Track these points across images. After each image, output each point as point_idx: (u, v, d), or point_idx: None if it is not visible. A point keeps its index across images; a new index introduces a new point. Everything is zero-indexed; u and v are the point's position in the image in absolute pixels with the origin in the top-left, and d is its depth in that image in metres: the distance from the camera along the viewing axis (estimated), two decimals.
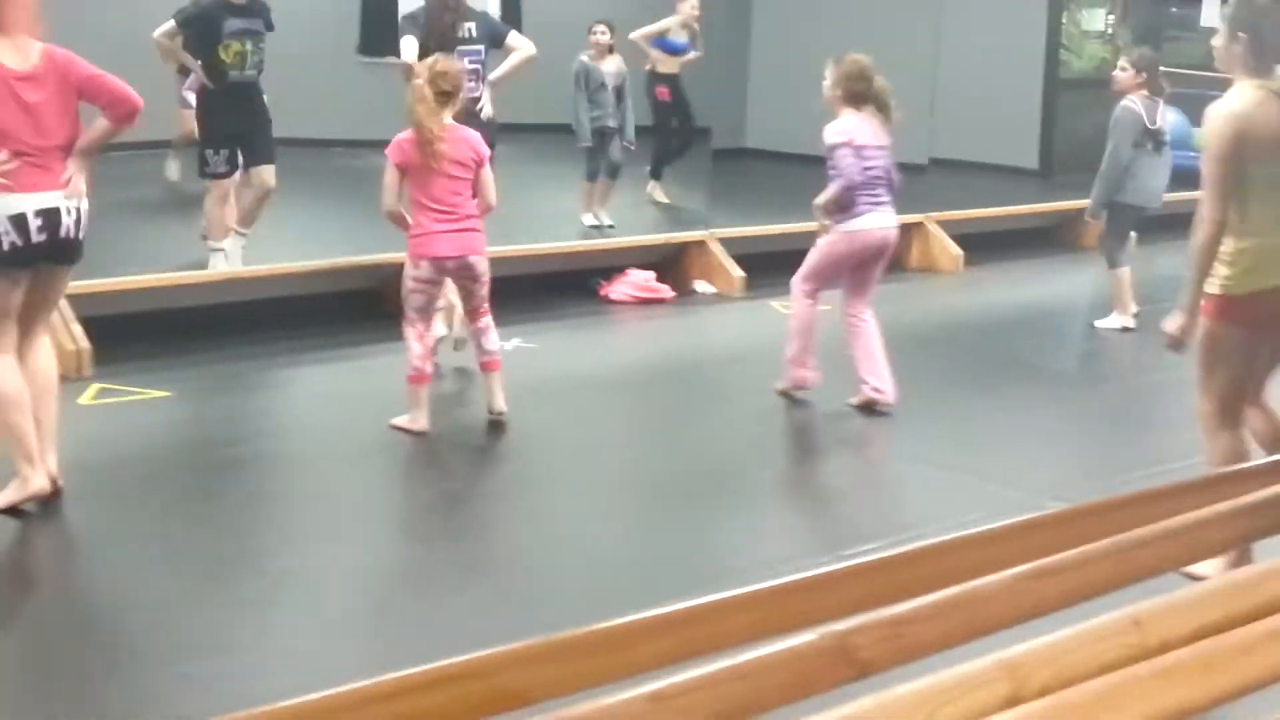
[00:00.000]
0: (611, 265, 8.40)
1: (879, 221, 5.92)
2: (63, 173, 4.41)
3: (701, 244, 8.72)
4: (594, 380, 6.52)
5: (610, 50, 9.63)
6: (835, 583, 1.55)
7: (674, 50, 10.76)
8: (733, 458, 5.55)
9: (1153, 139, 7.87)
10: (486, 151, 5.49)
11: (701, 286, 8.59)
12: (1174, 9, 14.94)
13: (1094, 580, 1.59)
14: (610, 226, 9.29)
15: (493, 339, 5.59)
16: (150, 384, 6.02)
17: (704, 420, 6.09)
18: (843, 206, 5.83)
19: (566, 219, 9.35)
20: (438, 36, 6.44)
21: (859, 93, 5.97)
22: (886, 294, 6.15)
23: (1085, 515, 1.72)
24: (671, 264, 8.64)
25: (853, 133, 5.86)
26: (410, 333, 5.44)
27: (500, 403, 5.55)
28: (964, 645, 1.50)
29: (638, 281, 8.35)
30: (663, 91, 10.56)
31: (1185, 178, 13.42)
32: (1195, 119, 14.90)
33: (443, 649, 1.35)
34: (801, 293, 6.05)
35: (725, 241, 8.66)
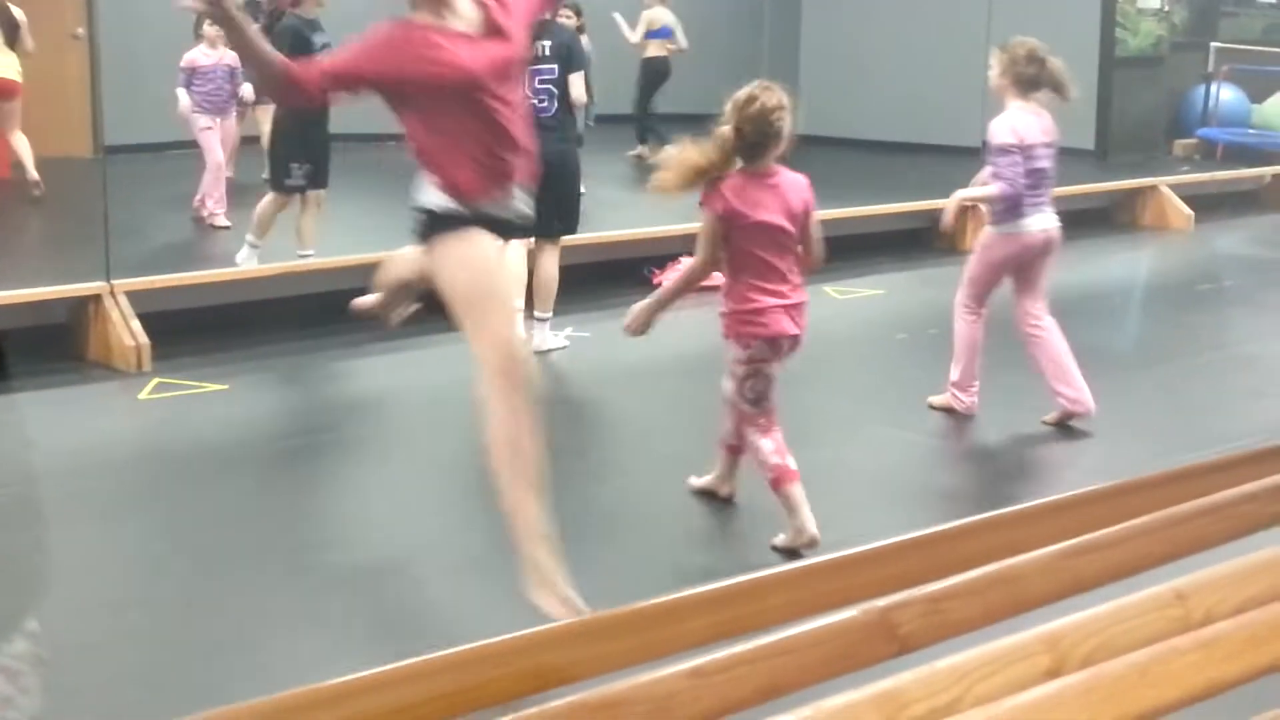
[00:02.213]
0: (665, 254, 8.40)
1: (1041, 223, 5.54)
2: None
3: None
4: (651, 368, 6.52)
5: (580, 31, 9.64)
6: (876, 560, 1.56)
7: (660, 36, 12.36)
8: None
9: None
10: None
11: None
12: None
13: (1135, 556, 1.59)
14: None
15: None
16: (208, 378, 6.10)
17: None
18: (1006, 207, 5.50)
19: (613, 207, 9.35)
20: None
21: (1030, 78, 5.44)
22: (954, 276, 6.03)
23: (1126, 492, 1.71)
24: None
25: (1023, 132, 5.42)
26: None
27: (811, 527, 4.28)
28: (1005, 621, 1.51)
29: None
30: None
31: (1243, 155, 13.27)
32: (1254, 95, 14.74)
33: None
34: (963, 308, 5.64)
35: None
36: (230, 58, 8.56)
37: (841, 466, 5.15)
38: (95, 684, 3.47)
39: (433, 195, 3.82)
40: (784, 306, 4.33)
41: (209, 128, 8.86)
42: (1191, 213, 10.76)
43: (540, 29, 6.51)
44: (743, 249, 4.30)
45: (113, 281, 6.47)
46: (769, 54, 13.62)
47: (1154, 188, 10.99)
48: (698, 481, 4.74)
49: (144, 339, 6.26)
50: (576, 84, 6.67)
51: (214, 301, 6.88)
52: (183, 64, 8.87)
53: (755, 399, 4.38)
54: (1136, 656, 1.42)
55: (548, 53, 6.62)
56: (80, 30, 10.58)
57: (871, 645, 1.40)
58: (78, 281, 6.53)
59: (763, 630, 1.40)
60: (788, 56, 14.18)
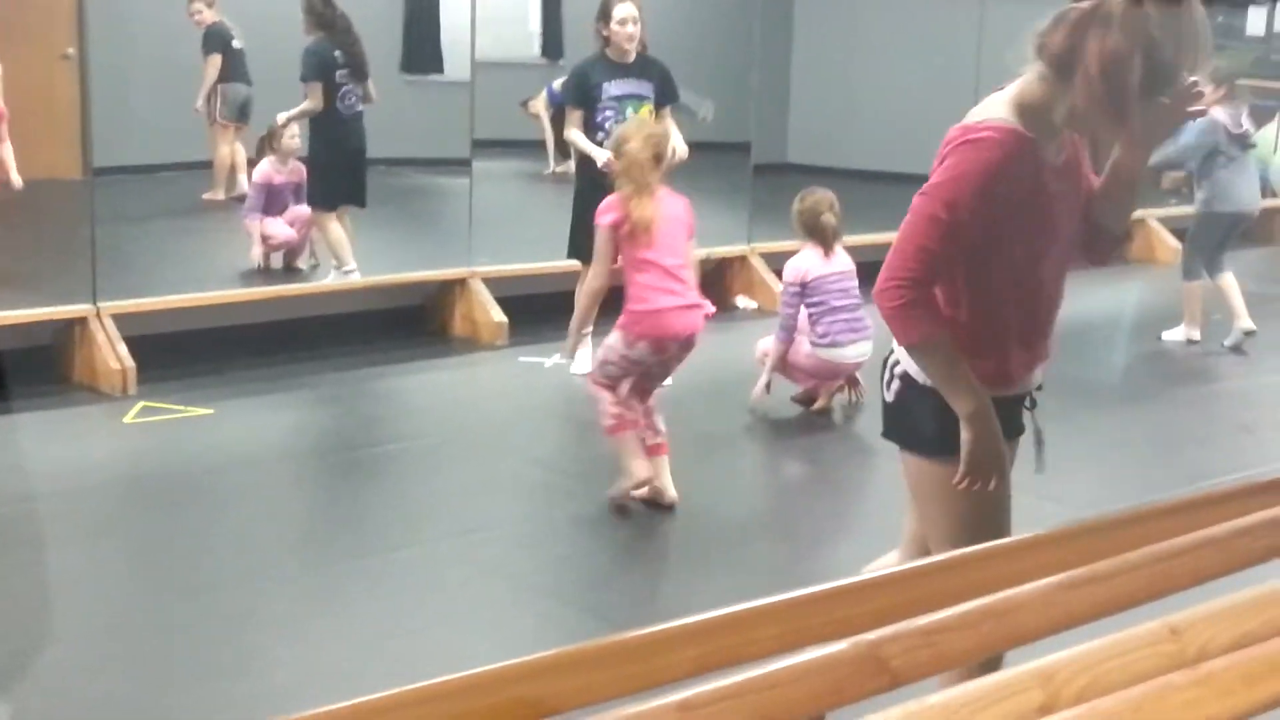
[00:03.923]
0: None
1: None
2: None
3: (743, 259, 8.71)
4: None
5: None
6: (866, 592, 1.54)
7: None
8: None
9: (1239, 143, 7.76)
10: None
11: (743, 302, 8.58)
12: (1220, 18, 14.82)
13: (1129, 590, 1.57)
14: None
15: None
16: (193, 401, 6.06)
17: (743, 435, 6.07)
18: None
19: None
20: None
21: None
22: None
23: (1119, 525, 1.70)
24: (712, 280, 8.62)
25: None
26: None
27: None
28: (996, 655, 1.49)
29: None
30: None
31: None
32: None
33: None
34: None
35: (766, 256, 8.64)
36: (300, 172, 8.00)
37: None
38: (75, 708, 3.43)
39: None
40: (679, 307, 4.82)
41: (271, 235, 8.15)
42: (1179, 245, 10.76)
43: (643, 65, 6.55)
44: (637, 257, 4.77)
45: (99, 304, 6.43)
46: (758, 83, 13.66)
47: (1142, 220, 11.00)
48: (614, 492, 4.94)
49: (130, 362, 6.23)
50: (674, 127, 6.67)
51: (201, 325, 6.86)
52: (257, 180, 8.16)
53: (610, 380, 4.88)
54: (1130, 693, 1.40)
55: (644, 79, 6.64)
56: (70, 50, 10.56)
57: (862, 679, 1.38)
58: (64, 304, 6.49)
59: (752, 663, 1.38)
60: (778, 86, 14.21)
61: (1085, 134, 2.70)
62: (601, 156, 6.14)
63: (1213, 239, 7.83)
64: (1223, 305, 7.80)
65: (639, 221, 4.74)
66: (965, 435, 2.54)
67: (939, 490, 2.66)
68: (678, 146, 6.74)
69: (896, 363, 2.70)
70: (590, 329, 5.61)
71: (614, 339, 4.86)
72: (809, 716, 1.37)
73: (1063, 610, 1.52)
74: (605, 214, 4.81)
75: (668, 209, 4.85)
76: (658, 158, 4.84)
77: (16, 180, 7.14)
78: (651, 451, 4.94)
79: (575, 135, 6.49)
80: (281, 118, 7.97)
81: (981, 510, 2.64)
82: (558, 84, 11.35)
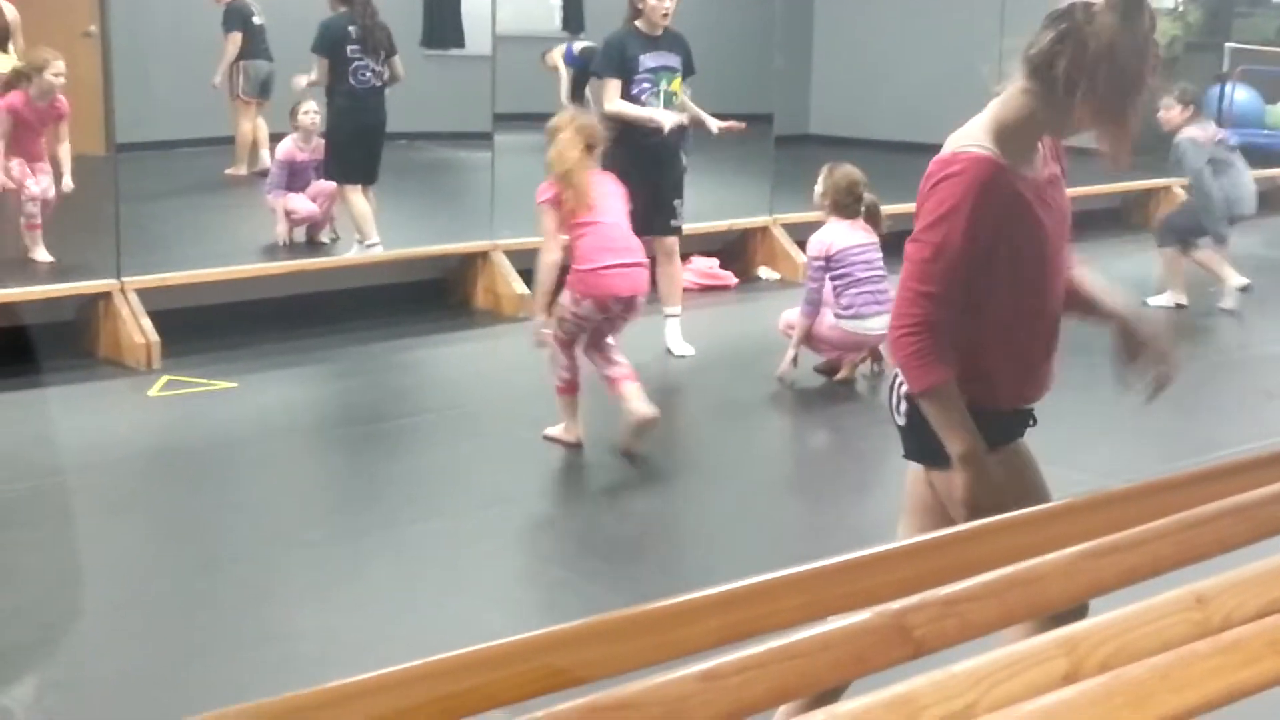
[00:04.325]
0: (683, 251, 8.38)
1: None
2: None
3: (765, 230, 8.69)
4: (660, 366, 6.50)
5: None
6: (890, 562, 1.53)
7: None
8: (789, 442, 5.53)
9: (1223, 152, 7.84)
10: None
11: (765, 273, 8.57)
12: None
13: (1154, 559, 1.56)
14: None
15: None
16: (217, 375, 6.09)
17: (768, 404, 6.07)
18: None
19: None
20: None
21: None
22: None
23: (1145, 493, 1.69)
24: (735, 251, 8.62)
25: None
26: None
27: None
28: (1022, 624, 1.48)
29: (701, 268, 8.33)
30: None
31: (1257, 156, 13.21)
32: (1267, 96, 14.69)
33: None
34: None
35: (789, 228, 8.62)
36: (322, 149, 7.95)
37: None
38: (102, 681, 3.46)
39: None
40: (620, 265, 5.10)
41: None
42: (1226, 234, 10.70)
43: (671, 38, 6.56)
44: (577, 223, 5.08)
45: (123, 279, 6.46)
46: (780, 55, 13.60)
47: (1168, 188, 10.94)
48: (551, 431, 5.29)
49: (154, 336, 6.26)
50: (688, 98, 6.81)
51: (224, 299, 6.88)
52: (280, 156, 8.20)
53: (568, 336, 5.15)
54: (1156, 661, 1.39)
55: (674, 52, 6.63)
56: (92, 28, 10.57)
57: (886, 648, 1.38)
58: (88, 279, 6.52)
59: (775, 633, 1.38)
60: (800, 56, 14.15)
61: (1068, 134, 2.69)
62: (669, 119, 6.37)
63: (1194, 227, 7.86)
64: (1208, 276, 7.83)
65: (577, 189, 5.05)
66: (960, 478, 2.57)
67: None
68: (708, 122, 6.78)
69: (902, 384, 2.71)
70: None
71: (564, 297, 5.13)
72: (832, 686, 1.37)
73: (1088, 579, 1.52)
74: (544, 193, 5.11)
75: (601, 183, 5.20)
76: (589, 148, 5.13)
77: (68, 183, 7.16)
78: (615, 384, 5.20)
79: (623, 105, 6.45)
80: (300, 80, 7.96)
81: (1024, 499, 2.58)
82: (578, 47, 11.32)
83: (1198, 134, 7.72)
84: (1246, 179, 7.98)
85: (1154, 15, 2.52)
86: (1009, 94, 2.57)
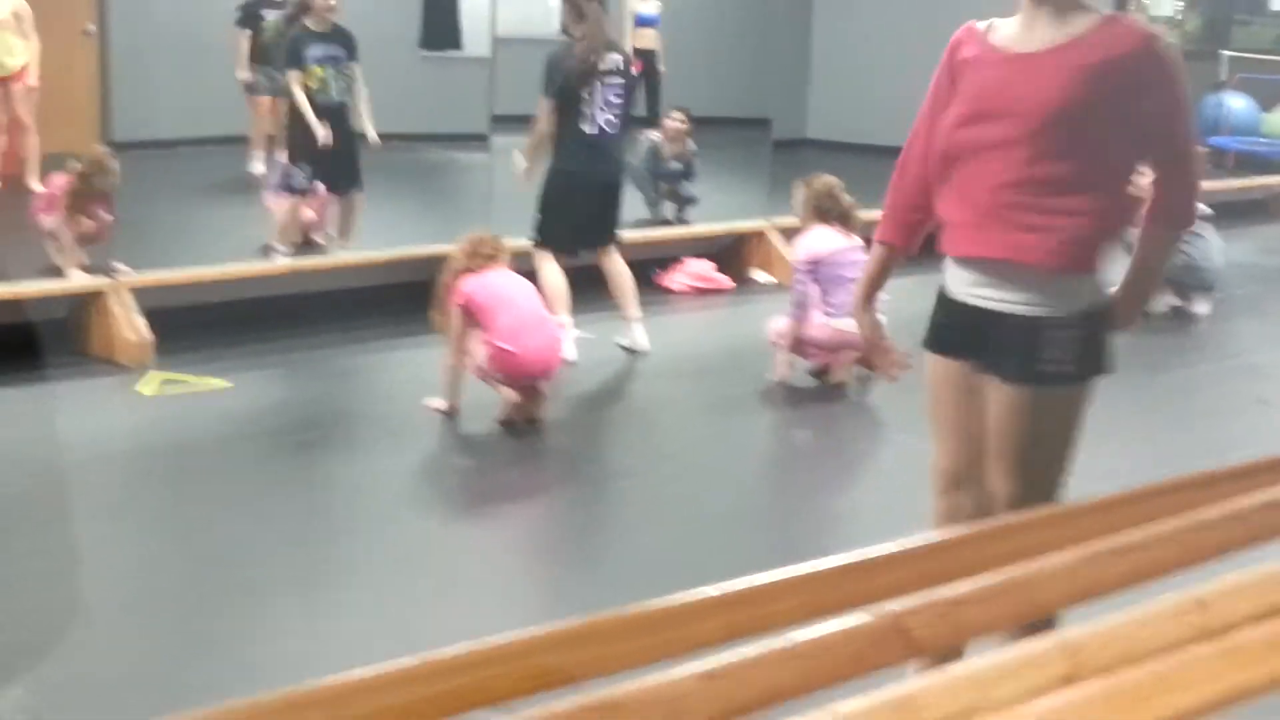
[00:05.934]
0: (669, 255, 8.39)
1: None
2: None
3: (760, 234, 8.69)
4: (654, 369, 6.50)
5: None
6: (890, 564, 1.53)
7: (644, 23, 11.64)
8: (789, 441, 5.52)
9: (1202, 218, 7.80)
10: None
11: (761, 276, 8.56)
12: None
13: (1155, 562, 1.55)
14: None
15: None
16: (211, 374, 6.07)
17: (759, 403, 6.07)
18: None
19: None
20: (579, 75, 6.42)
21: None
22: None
23: (1145, 497, 1.68)
24: (730, 254, 8.62)
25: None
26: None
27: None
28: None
29: (696, 271, 8.34)
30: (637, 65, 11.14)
31: (1254, 164, 13.23)
32: (1264, 104, 14.70)
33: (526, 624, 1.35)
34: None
35: (785, 231, 8.62)
36: None
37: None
38: (94, 680, 3.45)
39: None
40: (536, 346, 5.38)
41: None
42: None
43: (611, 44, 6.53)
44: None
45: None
46: (778, 60, 13.60)
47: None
48: (433, 402, 5.62)
49: (147, 334, 6.24)
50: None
51: (217, 298, 6.86)
52: (281, 160, 7.95)
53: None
54: (1156, 664, 1.39)
55: (621, 66, 6.59)
56: (91, 26, 10.57)
57: (885, 649, 1.37)
58: (82, 276, 6.50)
59: (775, 632, 1.37)
60: (798, 62, 14.15)
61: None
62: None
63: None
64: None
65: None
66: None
67: (1076, 412, 2.94)
68: None
69: (1072, 310, 2.86)
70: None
71: (480, 358, 5.45)
72: (831, 686, 1.36)
73: (1087, 582, 1.51)
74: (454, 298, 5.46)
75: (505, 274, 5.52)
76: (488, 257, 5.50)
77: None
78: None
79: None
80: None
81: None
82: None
83: None
84: (1214, 251, 7.90)
85: None
86: None
